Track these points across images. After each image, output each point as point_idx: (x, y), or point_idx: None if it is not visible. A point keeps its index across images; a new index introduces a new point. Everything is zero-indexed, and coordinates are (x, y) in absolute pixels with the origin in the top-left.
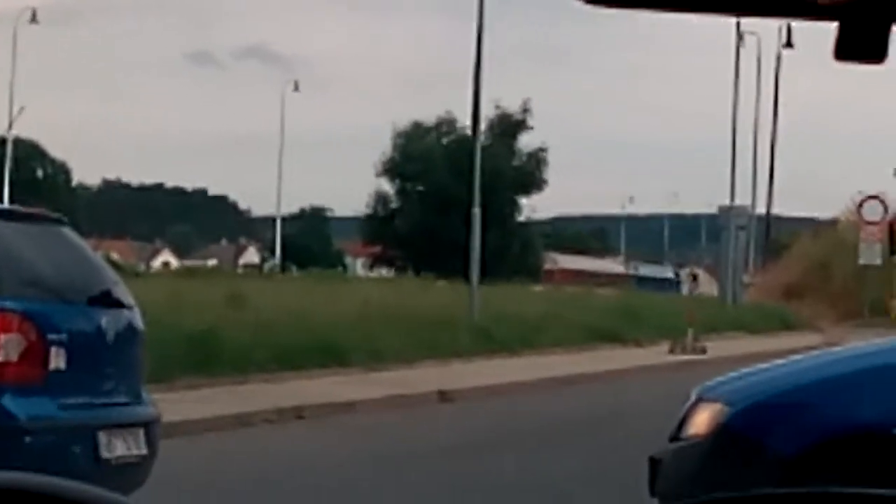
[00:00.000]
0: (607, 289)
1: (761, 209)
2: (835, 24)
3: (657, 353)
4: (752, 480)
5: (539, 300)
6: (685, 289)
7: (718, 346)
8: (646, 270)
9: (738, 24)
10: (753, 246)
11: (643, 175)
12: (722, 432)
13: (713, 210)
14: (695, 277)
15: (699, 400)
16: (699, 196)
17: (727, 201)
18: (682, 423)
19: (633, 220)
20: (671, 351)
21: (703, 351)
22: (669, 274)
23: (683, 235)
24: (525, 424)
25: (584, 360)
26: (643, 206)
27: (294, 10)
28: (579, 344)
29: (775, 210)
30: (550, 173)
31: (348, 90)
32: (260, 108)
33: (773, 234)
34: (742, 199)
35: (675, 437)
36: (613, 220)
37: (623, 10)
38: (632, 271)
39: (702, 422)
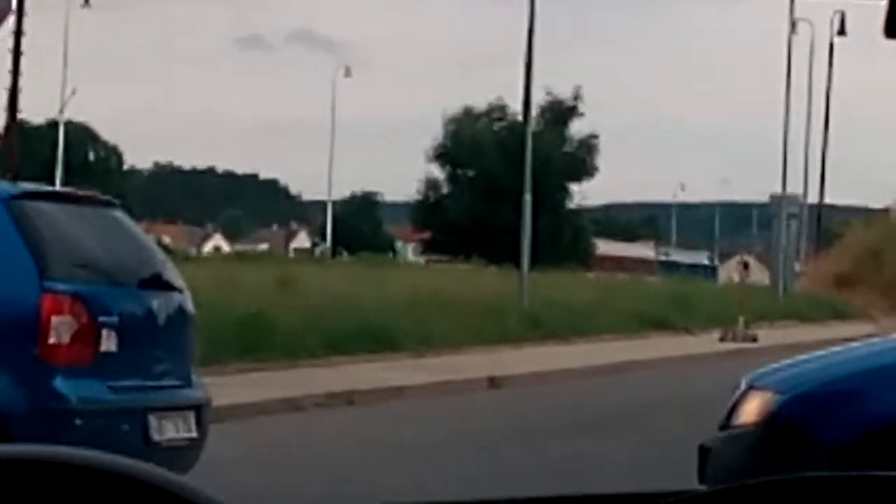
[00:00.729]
0: (631, 274)
1: (813, 197)
2: (884, 2)
3: (708, 341)
4: (802, 469)
5: (589, 287)
6: (722, 275)
7: (770, 335)
8: (677, 256)
9: (791, 11)
10: (805, 234)
11: (695, 162)
12: (772, 421)
13: (765, 198)
14: (746, 266)
15: (750, 388)
16: (751, 184)
17: (779, 189)
18: (733, 411)
19: (684, 208)
20: (722, 339)
21: (755, 339)
22: (704, 260)
23: (735, 223)
24: (574, 411)
25: (635, 348)
26: (694, 194)
27: None
28: (630, 331)
29: (827, 198)
30: (601, 160)
31: (398, 74)
32: (310, 92)
33: (825, 223)
34: (793, 188)
35: (725, 426)
36: (664, 207)
37: None
38: (662, 257)
39: (752, 410)
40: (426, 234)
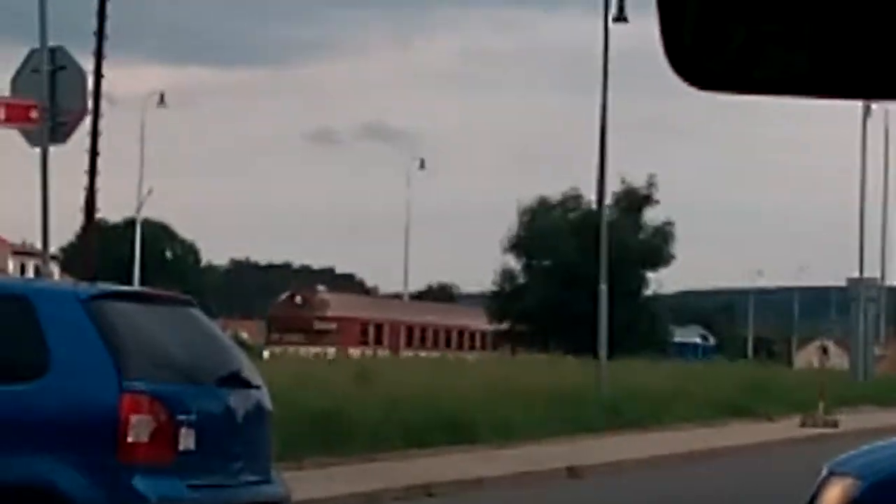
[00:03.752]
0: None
1: (892, 280)
2: None
3: (788, 427)
4: None
5: (667, 374)
6: (800, 360)
7: (850, 420)
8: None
9: None
10: (884, 318)
11: (771, 248)
12: None
13: (842, 282)
14: (825, 350)
15: (831, 474)
16: (828, 268)
17: (856, 273)
18: (814, 497)
19: (761, 294)
20: (803, 424)
21: (835, 424)
22: (696, 339)
23: (813, 308)
24: (656, 501)
25: (715, 435)
26: (772, 280)
27: (412, 87)
28: (709, 418)
29: None
30: (677, 247)
31: (470, 167)
32: (384, 185)
33: None
34: (871, 271)
35: None
36: (742, 293)
37: (737, 94)
38: None
39: (833, 497)
40: (503, 325)
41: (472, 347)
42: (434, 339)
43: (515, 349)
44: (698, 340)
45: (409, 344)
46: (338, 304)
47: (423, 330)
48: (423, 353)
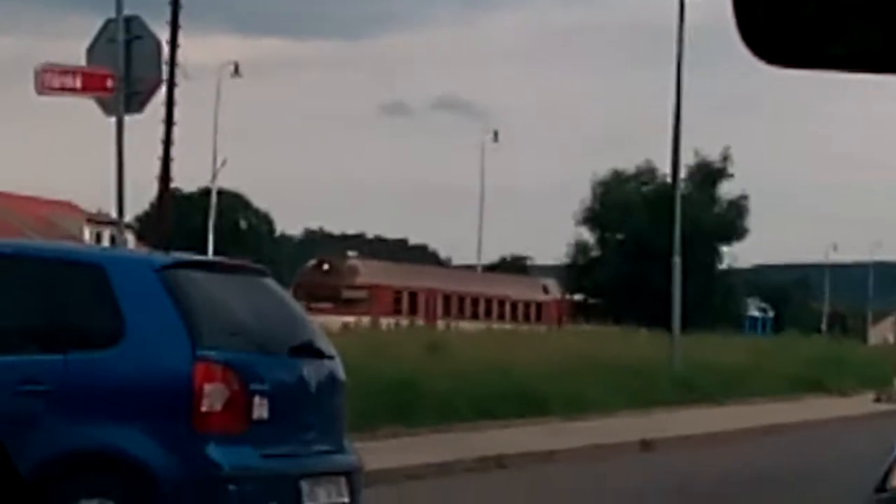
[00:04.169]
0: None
1: None
2: None
3: (862, 402)
4: None
5: (739, 348)
6: (874, 336)
7: None
8: None
9: None
10: None
11: (846, 222)
12: None
13: None
14: None
15: None
16: None
17: None
18: (888, 473)
19: (836, 268)
20: (877, 400)
21: None
22: (754, 312)
23: (888, 283)
24: (728, 475)
25: (788, 410)
26: (847, 254)
27: (486, 61)
28: (782, 393)
29: None
30: (751, 221)
31: (544, 140)
32: (457, 158)
33: None
34: None
35: (880, 489)
36: (816, 268)
37: (810, 71)
38: None
39: None
40: (576, 297)
41: (514, 318)
42: (473, 309)
43: (562, 321)
44: (757, 313)
45: (446, 313)
46: (368, 272)
47: (462, 299)
48: (463, 324)
